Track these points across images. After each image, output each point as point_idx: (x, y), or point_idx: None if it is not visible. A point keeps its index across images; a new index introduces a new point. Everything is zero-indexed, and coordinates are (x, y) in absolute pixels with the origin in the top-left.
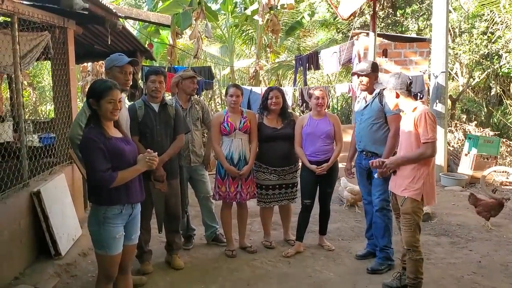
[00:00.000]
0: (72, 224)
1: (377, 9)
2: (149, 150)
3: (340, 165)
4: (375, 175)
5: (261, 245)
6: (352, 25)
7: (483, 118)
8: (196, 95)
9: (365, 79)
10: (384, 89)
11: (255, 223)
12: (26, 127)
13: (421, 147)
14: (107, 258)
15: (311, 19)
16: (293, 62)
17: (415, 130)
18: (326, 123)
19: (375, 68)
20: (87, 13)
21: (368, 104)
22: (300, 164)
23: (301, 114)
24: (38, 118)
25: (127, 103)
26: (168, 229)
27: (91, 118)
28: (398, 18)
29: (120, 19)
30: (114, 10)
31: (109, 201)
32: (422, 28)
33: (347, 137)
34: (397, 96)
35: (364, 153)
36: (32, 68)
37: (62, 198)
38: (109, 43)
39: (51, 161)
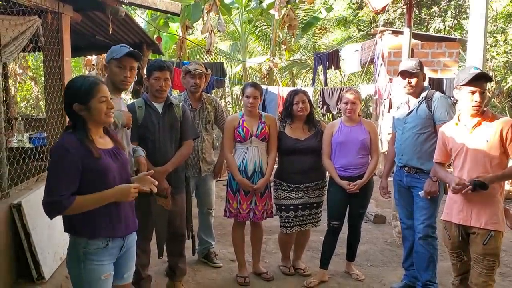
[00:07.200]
0: (61, 240)
1: (401, 5)
2: (149, 171)
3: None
4: (420, 194)
5: (277, 269)
6: (375, 22)
7: None
8: (206, 93)
9: (414, 80)
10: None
11: (270, 241)
12: (17, 125)
13: None
14: None
15: (328, 14)
16: (309, 60)
17: (500, 144)
18: (361, 130)
19: (422, 66)
20: None
21: (413, 110)
22: (327, 179)
23: (322, 116)
24: (40, 114)
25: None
26: (170, 251)
27: (74, 129)
28: (424, 17)
29: (124, 6)
30: None
31: (89, 232)
32: (448, 28)
33: None
34: (482, 98)
35: (406, 168)
36: (35, 60)
37: None
38: (110, 32)
39: (39, 165)
